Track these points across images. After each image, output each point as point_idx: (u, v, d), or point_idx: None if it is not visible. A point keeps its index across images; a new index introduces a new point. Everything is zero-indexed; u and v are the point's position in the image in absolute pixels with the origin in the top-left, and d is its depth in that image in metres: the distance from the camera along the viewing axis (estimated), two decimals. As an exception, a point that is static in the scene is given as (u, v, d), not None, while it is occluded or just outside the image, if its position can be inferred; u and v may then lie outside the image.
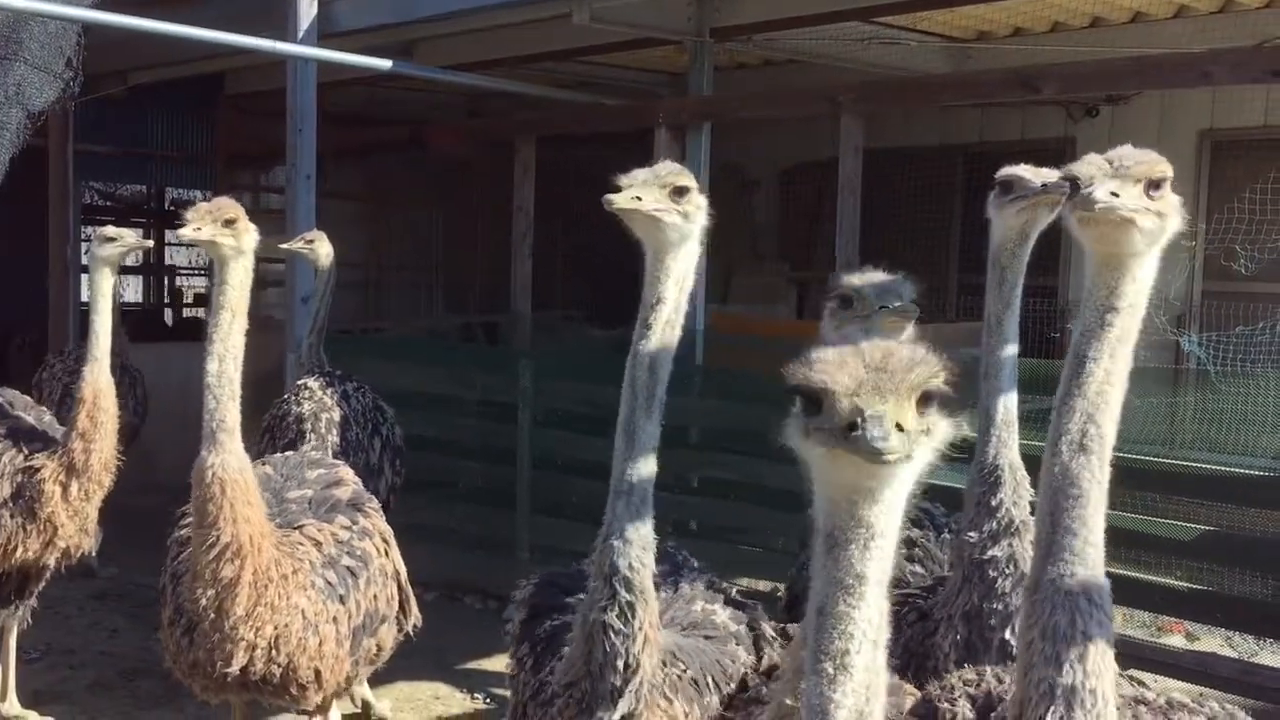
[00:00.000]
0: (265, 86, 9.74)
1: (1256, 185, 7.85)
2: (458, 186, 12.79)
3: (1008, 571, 3.13)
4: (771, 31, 8.29)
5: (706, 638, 3.06)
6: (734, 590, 3.45)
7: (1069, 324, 8.37)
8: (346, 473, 4.60)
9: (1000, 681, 2.56)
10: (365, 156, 12.56)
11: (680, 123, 7.91)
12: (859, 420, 1.53)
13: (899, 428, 1.55)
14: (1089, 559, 2.08)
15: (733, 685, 3.03)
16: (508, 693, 5.72)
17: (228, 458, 3.68)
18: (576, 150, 10.50)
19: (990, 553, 3.14)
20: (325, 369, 6.22)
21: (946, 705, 2.58)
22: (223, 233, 3.80)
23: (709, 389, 7.46)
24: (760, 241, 12.27)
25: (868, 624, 1.66)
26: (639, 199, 2.74)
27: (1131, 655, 5.40)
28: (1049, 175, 3.04)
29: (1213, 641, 6.31)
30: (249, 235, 3.87)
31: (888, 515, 1.64)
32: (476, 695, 6.16)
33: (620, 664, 2.73)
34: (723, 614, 3.18)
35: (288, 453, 4.97)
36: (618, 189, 2.76)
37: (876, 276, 2.96)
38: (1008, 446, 3.23)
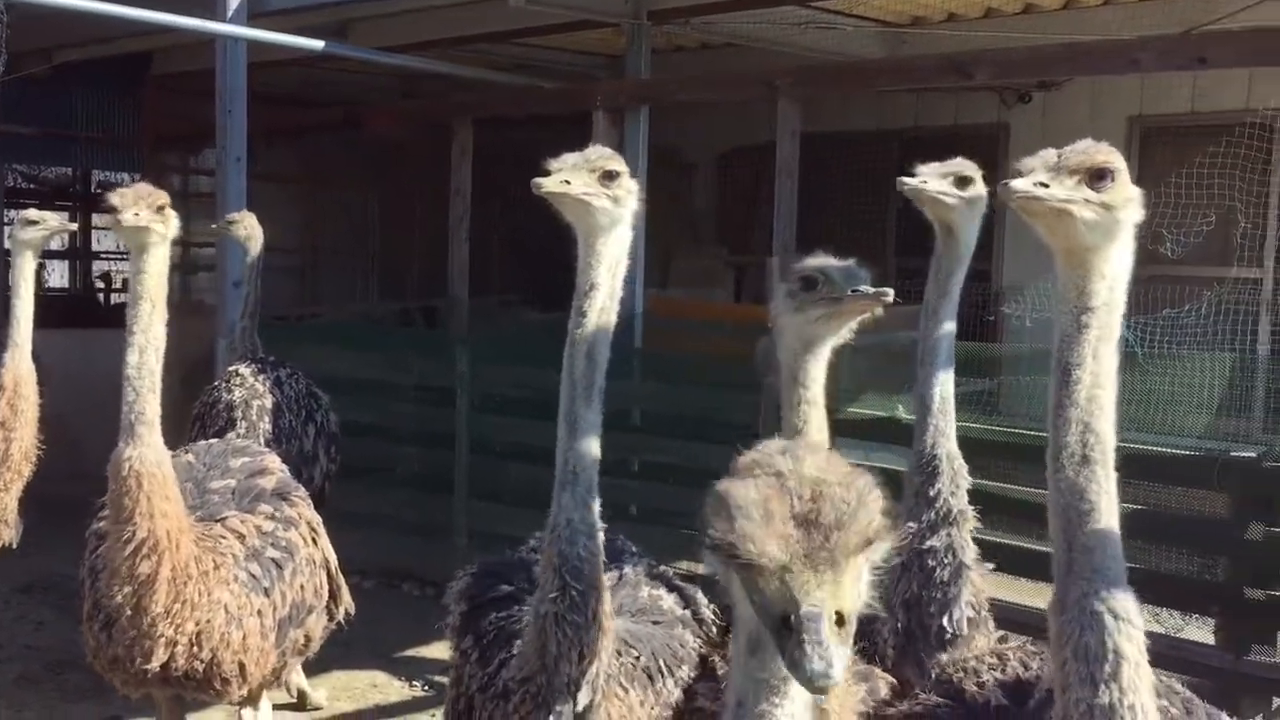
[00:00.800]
0: (194, 66, 9.53)
1: (1183, 170, 8.01)
2: (394, 169, 12.64)
3: (946, 561, 3.17)
4: (709, 15, 8.29)
5: (655, 623, 3.05)
6: (673, 574, 3.46)
7: (1003, 307, 8.50)
8: (272, 460, 4.50)
9: (1026, 667, 2.58)
10: (299, 138, 12.36)
11: (618, 105, 7.88)
12: (793, 618, 1.34)
13: (839, 620, 1.36)
14: (1110, 573, 2.08)
15: (684, 669, 3.03)
16: (447, 680, 5.75)
17: (145, 451, 3.58)
18: (514, 133, 10.43)
19: (929, 543, 3.18)
20: (258, 355, 6.12)
21: (974, 688, 2.59)
22: (156, 219, 3.72)
23: (648, 372, 7.46)
24: (699, 225, 12.29)
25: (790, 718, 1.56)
26: (568, 183, 2.71)
27: (1063, 632, 5.52)
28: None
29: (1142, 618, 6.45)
30: (174, 222, 3.80)
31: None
32: (415, 683, 6.11)
33: (575, 655, 2.70)
34: (669, 599, 3.18)
35: (211, 441, 4.85)
36: (548, 173, 2.73)
37: (831, 261, 2.90)
38: (945, 435, 3.26)
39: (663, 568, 3.44)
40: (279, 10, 7.89)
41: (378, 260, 13.37)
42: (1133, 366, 7.29)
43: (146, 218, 3.68)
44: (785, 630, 1.36)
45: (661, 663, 2.96)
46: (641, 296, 8.01)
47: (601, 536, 2.80)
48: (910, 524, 3.21)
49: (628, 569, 3.25)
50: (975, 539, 3.26)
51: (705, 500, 1.48)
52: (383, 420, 8.06)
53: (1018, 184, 2.11)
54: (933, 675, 2.75)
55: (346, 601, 4.53)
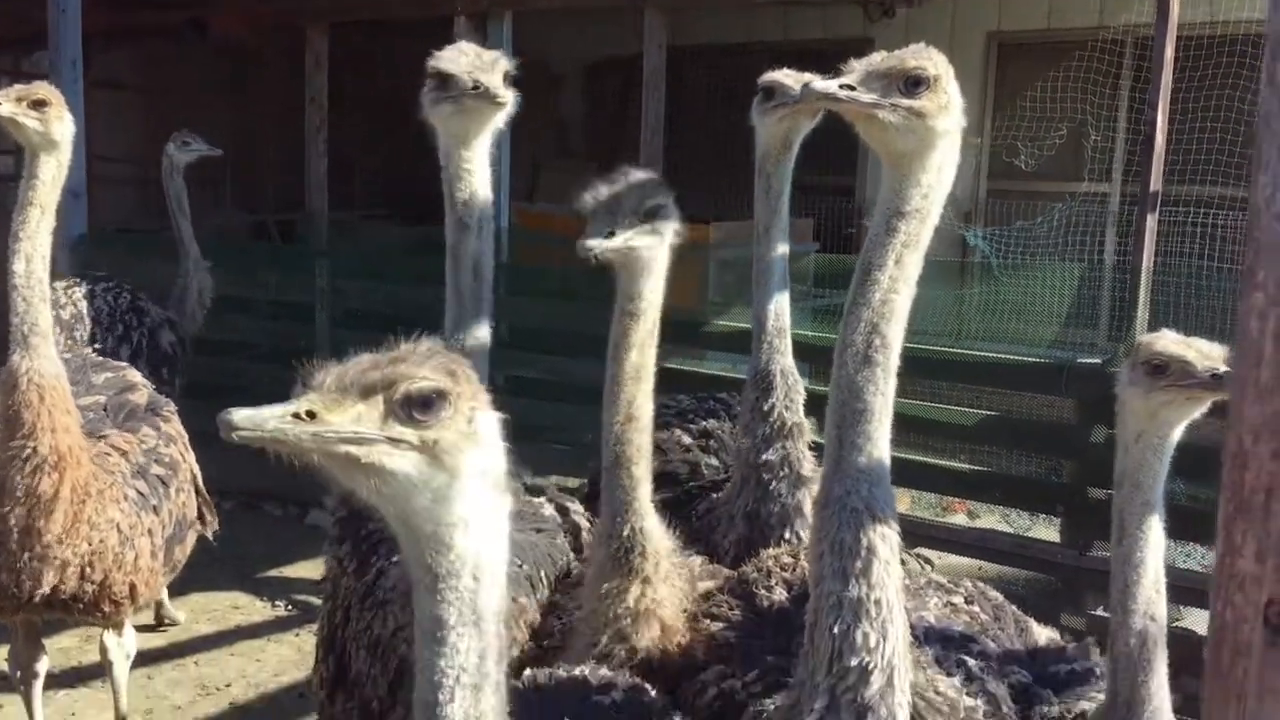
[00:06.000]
0: (23, -39, 8.87)
1: (1038, 85, 8.20)
2: (249, 77, 12.07)
3: (782, 474, 3.22)
4: (575, -82, 8.07)
5: (537, 530, 3.05)
6: (551, 486, 3.45)
7: (864, 220, 8.63)
8: (135, 375, 4.40)
9: None
10: (141, 42, 11.68)
11: (480, 10, 7.65)
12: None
13: (309, 415, 1.49)
14: (874, 473, 2.10)
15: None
16: (312, 599, 5.67)
17: (43, 363, 3.44)
18: (373, 40, 10.05)
19: (764, 456, 3.23)
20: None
21: (763, 591, 2.65)
22: (28, 114, 3.55)
23: (515, 286, 7.38)
24: (567, 138, 12.12)
25: (462, 670, 1.57)
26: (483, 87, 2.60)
27: (919, 535, 5.73)
28: (810, 81, 3.05)
29: (991, 519, 6.75)
30: (62, 124, 3.61)
31: (439, 550, 1.56)
32: (278, 603, 6.01)
33: None
34: (548, 507, 3.18)
35: (65, 355, 4.63)
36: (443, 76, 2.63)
37: (636, 186, 2.61)
38: (780, 352, 3.30)
39: (541, 480, 3.43)
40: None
41: (231, 172, 12.83)
42: (988, 278, 7.52)
43: (9, 109, 3.53)
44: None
45: (543, 572, 2.97)
46: (507, 210, 7.88)
47: None
48: (745, 439, 3.26)
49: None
50: None
51: None
52: (239, 337, 7.80)
53: (819, 84, 2.08)
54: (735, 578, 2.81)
55: (212, 518, 4.46)
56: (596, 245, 2.48)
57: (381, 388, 1.53)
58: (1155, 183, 5.58)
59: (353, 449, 1.50)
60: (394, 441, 1.51)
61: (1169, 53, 5.49)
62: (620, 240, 2.49)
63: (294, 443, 1.49)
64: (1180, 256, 7.27)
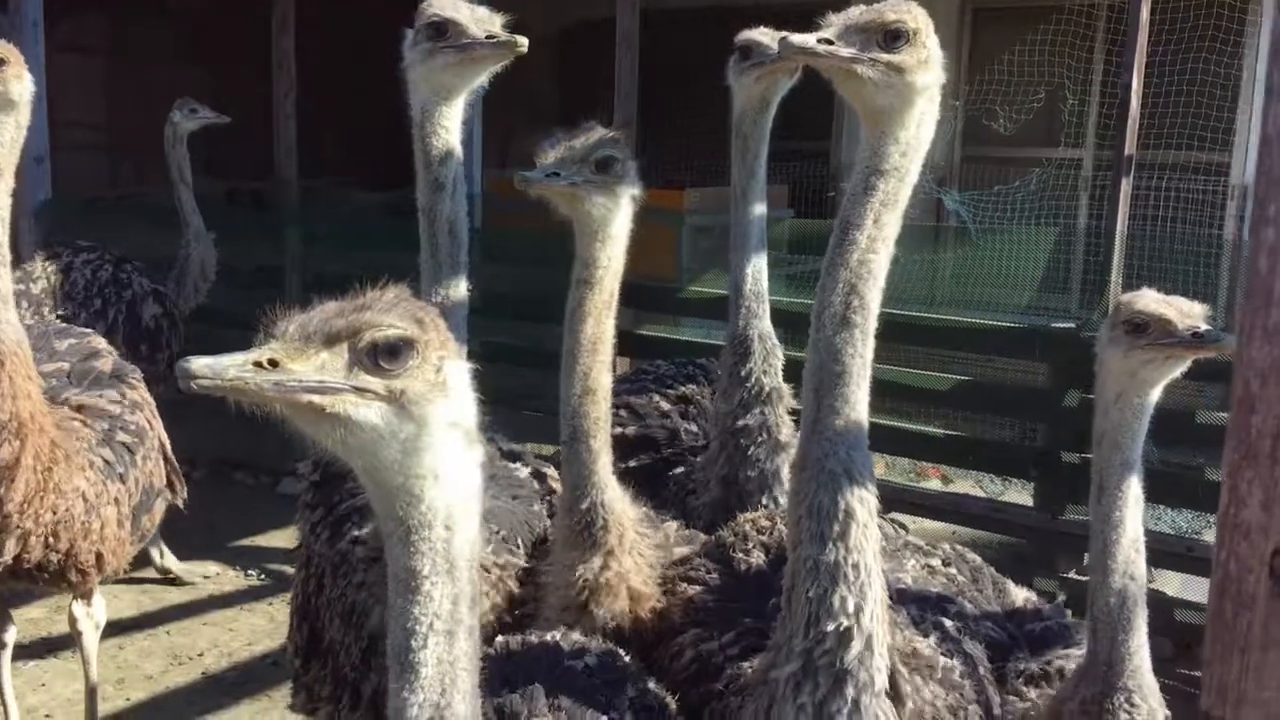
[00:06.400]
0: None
1: (1013, 50, 8.17)
2: (214, 41, 11.86)
3: (760, 439, 3.21)
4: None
5: (514, 497, 3.02)
6: (527, 451, 3.42)
7: (842, 183, 8.61)
8: (100, 342, 4.30)
9: None
10: (109, 6, 11.45)
11: (451, -27, 7.52)
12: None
13: (271, 362, 1.46)
14: (851, 436, 2.08)
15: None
16: (284, 568, 5.63)
17: (5, 328, 3.35)
18: (344, 5, 9.90)
19: (742, 421, 3.21)
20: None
21: (740, 555, 2.63)
22: None
23: (488, 252, 7.31)
24: (539, 104, 11.99)
25: (435, 618, 1.56)
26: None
27: (894, 499, 5.75)
28: (787, 36, 3.01)
29: (965, 484, 6.78)
30: (20, 84, 3.45)
31: (403, 499, 1.54)
32: (250, 572, 5.97)
33: None
34: (523, 471, 3.15)
35: (28, 322, 4.55)
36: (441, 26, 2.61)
37: (576, 142, 2.57)
38: (757, 316, 3.28)
39: (517, 446, 3.40)
40: None
41: (199, 137, 12.63)
42: (961, 242, 7.52)
43: None
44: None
45: (520, 539, 2.94)
46: (480, 178, 7.80)
47: None
48: (723, 404, 3.24)
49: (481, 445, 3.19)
50: None
51: None
52: (211, 303, 7.70)
53: (796, 38, 2.05)
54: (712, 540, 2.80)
55: (181, 486, 4.40)
56: (533, 176, 2.44)
57: (346, 335, 1.49)
58: (1130, 147, 5.57)
59: (316, 398, 1.46)
60: (359, 391, 1.47)
61: (1144, 16, 5.47)
62: (564, 183, 2.44)
63: (254, 392, 1.44)
64: (1154, 222, 7.29)
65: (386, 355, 1.49)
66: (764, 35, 3.12)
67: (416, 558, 1.55)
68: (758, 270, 3.29)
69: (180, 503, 4.43)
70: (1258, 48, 7.82)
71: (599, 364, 2.56)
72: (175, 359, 5.71)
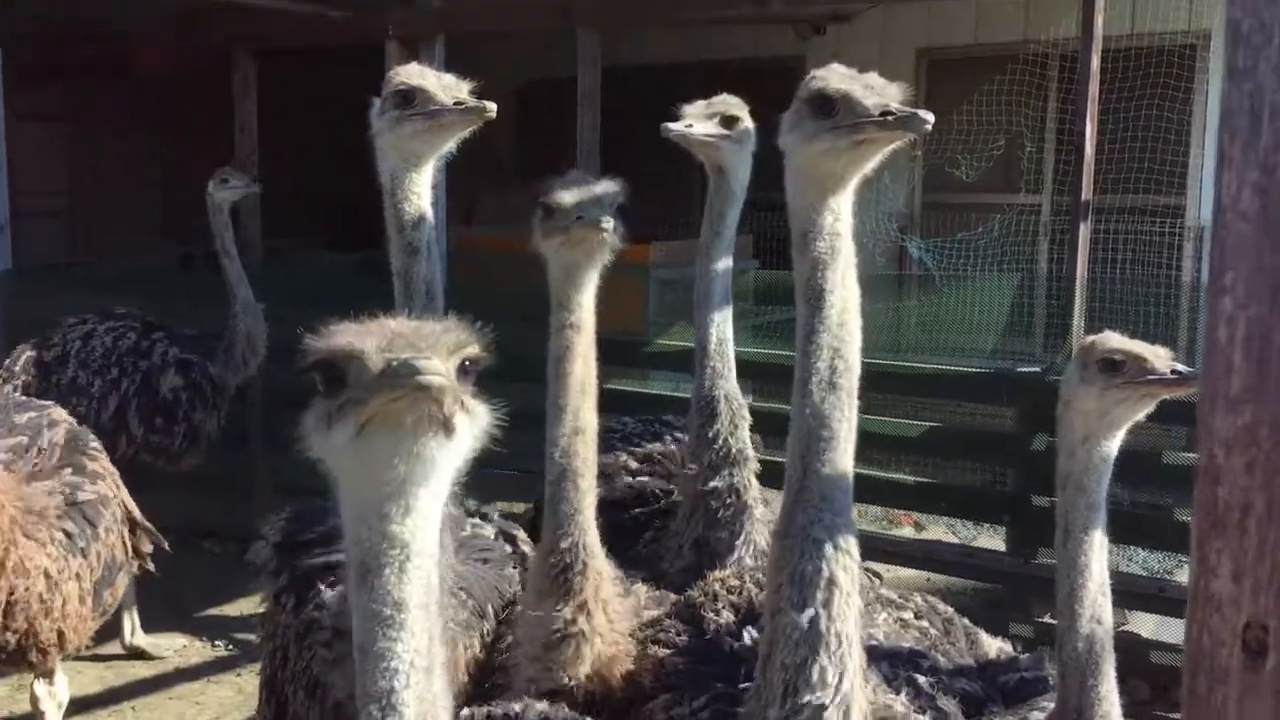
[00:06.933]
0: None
1: (972, 97, 8.30)
2: (176, 107, 11.86)
3: (729, 501, 3.18)
4: (503, -60, 8.04)
5: (484, 561, 2.98)
6: (494, 513, 3.38)
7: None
8: (59, 413, 4.21)
9: (760, 588, 2.58)
10: (69, 75, 11.44)
11: (411, 35, 7.58)
12: (392, 363, 1.41)
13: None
14: (837, 503, 2.07)
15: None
16: (252, 637, 5.53)
17: None
18: (306, 67, 9.93)
19: (711, 484, 3.19)
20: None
21: (711, 615, 2.60)
22: None
23: (460, 310, 7.28)
24: (503, 162, 12.05)
25: (416, 654, 1.51)
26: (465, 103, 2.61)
27: (868, 547, 5.67)
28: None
29: (938, 529, 6.77)
30: None
31: (423, 527, 1.50)
32: (218, 643, 5.86)
33: None
34: (490, 529, 3.12)
35: (-12, 400, 4.49)
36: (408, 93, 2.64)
37: (597, 187, 2.67)
38: (723, 376, 3.25)
39: (485, 507, 3.36)
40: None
41: (159, 203, 12.59)
42: (929, 288, 7.58)
43: None
44: (383, 378, 1.43)
45: (490, 607, 2.90)
46: (445, 236, 7.80)
47: None
48: (691, 466, 3.22)
49: (450, 508, 3.15)
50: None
51: None
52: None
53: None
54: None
55: (152, 547, 4.33)
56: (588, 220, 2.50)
57: (453, 350, 1.50)
58: (1087, 192, 5.65)
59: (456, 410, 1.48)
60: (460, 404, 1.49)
61: (1095, 64, 5.57)
62: (607, 225, 2.48)
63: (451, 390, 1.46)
64: (1113, 265, 7.38)
65: (474, 372, 1.54)
66: (731, 103, 3.17)
67: (407, 586, 1.50)
68: (722, 329, 3.28)
69: (151, 567, 4.34)
70: (1207, 92, 7.99)
71: (587, 405, 2.55)
72: (197, 431, 5.64)
